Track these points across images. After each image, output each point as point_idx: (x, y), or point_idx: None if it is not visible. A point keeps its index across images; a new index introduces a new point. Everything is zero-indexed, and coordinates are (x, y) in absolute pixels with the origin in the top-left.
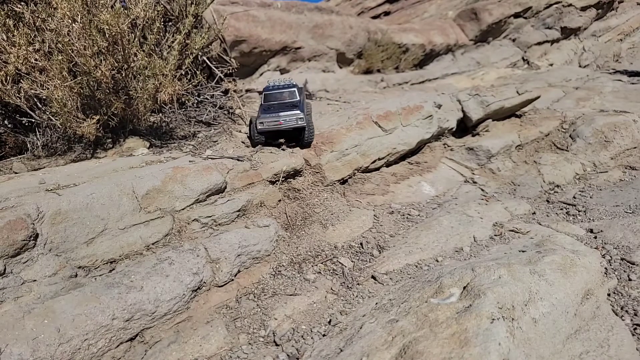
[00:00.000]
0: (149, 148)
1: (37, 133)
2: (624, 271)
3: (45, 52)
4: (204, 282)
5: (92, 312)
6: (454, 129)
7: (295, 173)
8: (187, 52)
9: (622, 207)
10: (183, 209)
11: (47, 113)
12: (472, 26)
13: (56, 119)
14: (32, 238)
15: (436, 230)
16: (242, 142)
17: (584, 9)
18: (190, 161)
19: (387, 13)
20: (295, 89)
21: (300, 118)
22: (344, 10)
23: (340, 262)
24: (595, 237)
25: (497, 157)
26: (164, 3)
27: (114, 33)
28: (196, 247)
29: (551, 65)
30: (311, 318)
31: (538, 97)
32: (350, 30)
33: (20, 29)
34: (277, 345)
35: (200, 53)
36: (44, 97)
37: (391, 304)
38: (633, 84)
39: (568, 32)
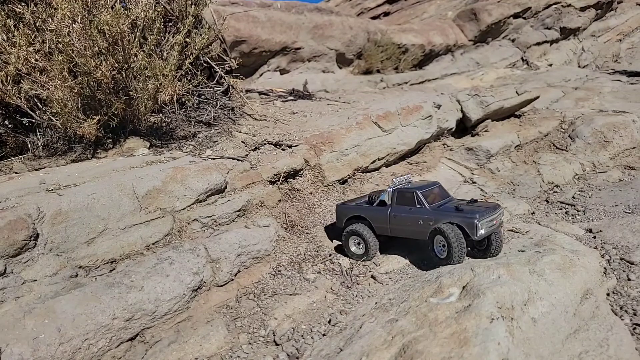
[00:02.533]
0: (149, 148)
1: (38, 133)
2: (623, 271)
3: (45, 53)
4: (204, 282)
5: (92, 311)
6: (453, 129)
7: (295, 173)
8: (187, 53)
9: (621, 207)
10: (183, 209)
11: (48, 113)
12: (471, 26)
13: (57, 119)
14: (32, 238)
15: None
16: (242, 142)
17: (583, 9)
18: (190, 161)
19: (386, 13)
20: (441, 185)
21: (502, 212)
22: (343, 11)
23: (339, 262)
24: (595, 237)
25: (497, 157)
26: (164, 3)
27: (114, 33)
28: (196, 247)
29: (550, 65)
30: (311, 317)
31: (537, 98)
32: (350, 30)
33: (20, 30)
34: (277, 344)
35: (200, 53)
36: (45, 98)
37: (391, 304)
38: (632, 84)
39: (567, 33)
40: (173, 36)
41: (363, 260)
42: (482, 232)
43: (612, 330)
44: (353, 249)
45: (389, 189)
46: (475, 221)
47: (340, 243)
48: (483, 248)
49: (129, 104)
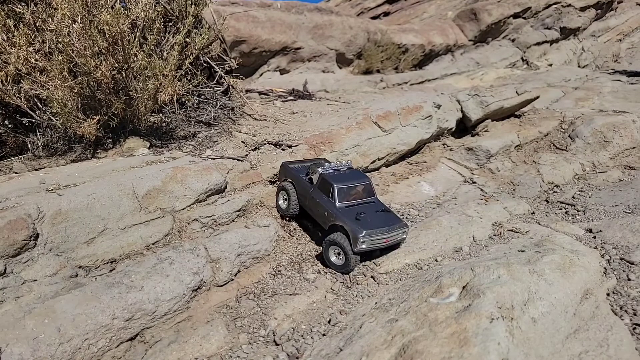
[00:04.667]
0: (149, 148)
1: (38, 133)
2: (623, 271)
3: (45, 53)
4: (204, 282)
5: (92, 311)
6: (453, 129)
7: None
8: (187, 53)
9: (621, 207)
10: (183, 209)
11: (48, 113)
12: (471, 26)
13: (56, 119)
14: (32, 238)
15: (435, 230)
16: (242, 142)
17: (583, 9)
18: (190, 161)
19: (386, 13)
20: (371, 183)
21: (405, 231)
22: (343, 11)
23: None
24: (595, 237)
25: (497, 157)
26: (164, 3)
27: (114, 33)
28: (196, 247)
29: (550, 65)
30: (311, 317)
31: (537, 97)
32: (350, 30)
33: (20, 30)
34: (277, 344)
35: (200, 53)
36: (45, 98)
37: (391, 304)
38: (632, 84)
39: (567, 33)
40: (173, 36)
41: (284, 213)
42: (363, 247)
43: (612, 330)
44: (280, 202)
45: (320, 170)
46: (360, 236)
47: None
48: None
49: (129, 104)
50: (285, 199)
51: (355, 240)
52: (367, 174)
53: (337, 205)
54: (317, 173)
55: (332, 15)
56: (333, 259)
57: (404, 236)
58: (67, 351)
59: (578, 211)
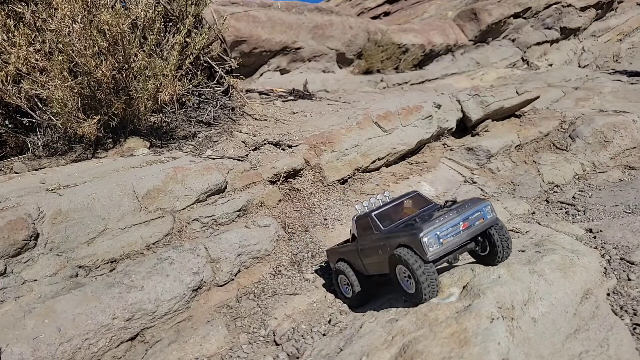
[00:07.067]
0: (149, 148)
1: (38, 133)
2: (624, 271)
3: (45, 53)
4: (205, 282)
5: (92, 311)
6: (453, 129)
7: (295, 173)
8: (187, 53)
9: (622, 206)
10: (183, 209)
11: (48, 113)
12: (471, 26)
13: (57, 119)
14: (32, 238)
15: None
16: (243, 142)
17: (583, 9)
18: (190, 161)
19: (386, 13)
20: (419, 193)
21: (488, 206)
22: (343, 11)
23: None
24: (595, 237)
25: (497, 157)
26: (164, 3)
27: (114, 33)
28: (196, 247)
29: (550, 65)
30: (311, 317)
31: (537, 97)
32: (350, 30)
33: (20, 30)
34: (277, 344)
35: (200, 53)
36: (45, 97)
37: (390, 304)
38: (632, 84)
39: (567, 33)
40: (173, 36)
41: (351, 304)
42: (434, 248)
43: (612, 330)
44: (343, 289)
45: (354, 218)
46: (422, 234)
47: (339, 242)
48: (485, 254)
49: (129, 104)
50: (347, 285)
51: (418, 244)
52: (369, 173)
53: (383, 230)
54: (352, 222)
55: (332, 15)
56: (403, 284)
57: (493, 214)
58: (67, 351)
59: (578, 211)
